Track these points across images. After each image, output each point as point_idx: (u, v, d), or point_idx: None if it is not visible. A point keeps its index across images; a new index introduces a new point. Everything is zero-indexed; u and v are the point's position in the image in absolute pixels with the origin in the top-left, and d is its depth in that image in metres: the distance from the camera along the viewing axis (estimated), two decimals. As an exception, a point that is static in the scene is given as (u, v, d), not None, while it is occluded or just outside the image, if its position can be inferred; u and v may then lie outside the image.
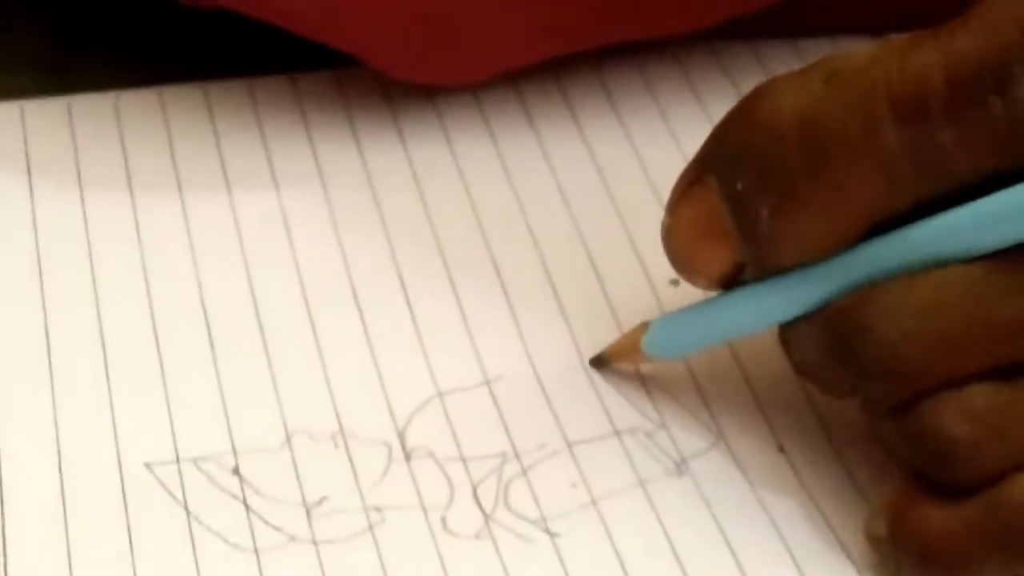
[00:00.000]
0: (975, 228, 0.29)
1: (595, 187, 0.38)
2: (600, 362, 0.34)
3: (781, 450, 0.33)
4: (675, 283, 0.36)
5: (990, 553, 0.29)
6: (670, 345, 0.33)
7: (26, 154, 0.38)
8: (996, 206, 0.29)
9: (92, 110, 0.39)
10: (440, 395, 0.33)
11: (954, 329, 0.29)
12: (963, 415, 0.29)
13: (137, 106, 0.39)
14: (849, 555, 0.31)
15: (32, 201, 0.37)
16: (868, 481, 0.32)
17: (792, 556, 0.31)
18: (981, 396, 0.29)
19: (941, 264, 0.29)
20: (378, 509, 0.31)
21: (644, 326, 0.33)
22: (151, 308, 0.35)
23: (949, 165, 0.28)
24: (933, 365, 0.29)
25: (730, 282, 0.31)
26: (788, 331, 0.31)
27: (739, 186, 0.30)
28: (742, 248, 0.30)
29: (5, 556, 0.30)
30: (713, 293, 0.32)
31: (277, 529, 0.31)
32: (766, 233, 0.30)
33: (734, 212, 0.30)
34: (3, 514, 0.31)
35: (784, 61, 0.41)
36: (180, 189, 0.37)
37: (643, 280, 0.36)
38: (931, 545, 0.30)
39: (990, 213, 0.29)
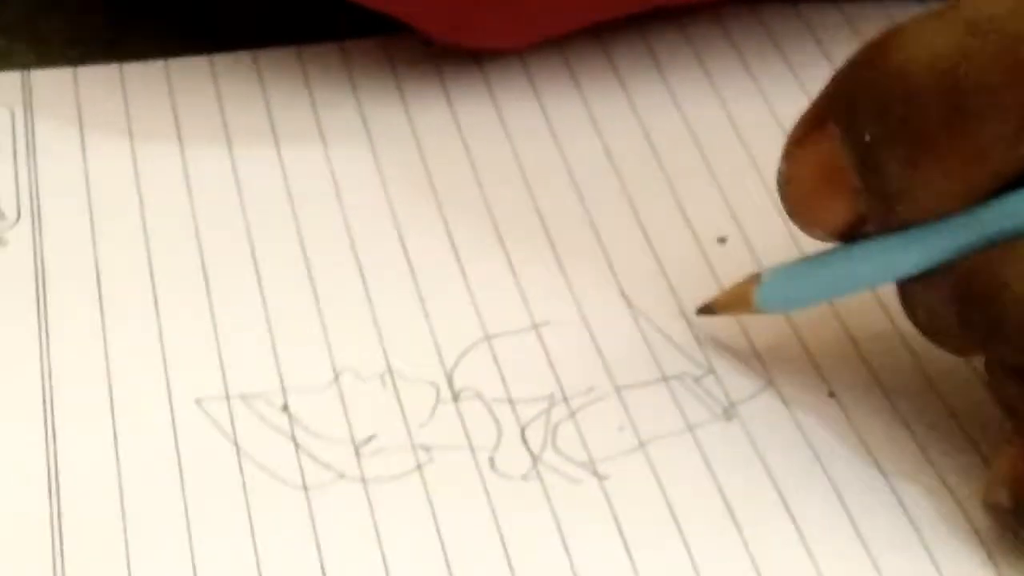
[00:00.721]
0: None
1: (640, 148, 0.38)
2: (707, 311, 0.34)
3: (831, 395, 0.33)
4: (722, 241, 0.36)
5: None
6: (783, 298, 0.32)
7: (79, 112, 0.38)
8: None
9: (144, 76, 0.39)
10: (488, 338, 0.34)
11: None
12: None
13: (188, 72, 0.39)
14: (899, 499, 0.31)
15: (84, 154, 0.37)
16: (923, 428, 0.32)
17: (842, 501, 0.31)
18: None
19: None
20: (426, 448, 0.31)
21: (755, 277, 0.32)
22: (201, 254, 0.35)
23: None
24: None
25: (850, 235, 0.30)
26: (910, 288, 0.30)
27: (867, 137, 0.29)
28: (867, 201, 0.29)
29: (59, 492, 0.30)
30: (828, 245, 0.31)
31: (326, 466, 0.31)
32: (896, 187, 0.29)
33: (861, 164, 0.29)
34: (56, 451, 0.31)
35: (830, 25, 0.41)
36: (231, 150, 0.37)
37: (688, 236, 0.36)
38: None
39: None
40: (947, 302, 0.29)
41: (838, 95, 0.29)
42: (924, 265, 0.30)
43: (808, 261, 0.32)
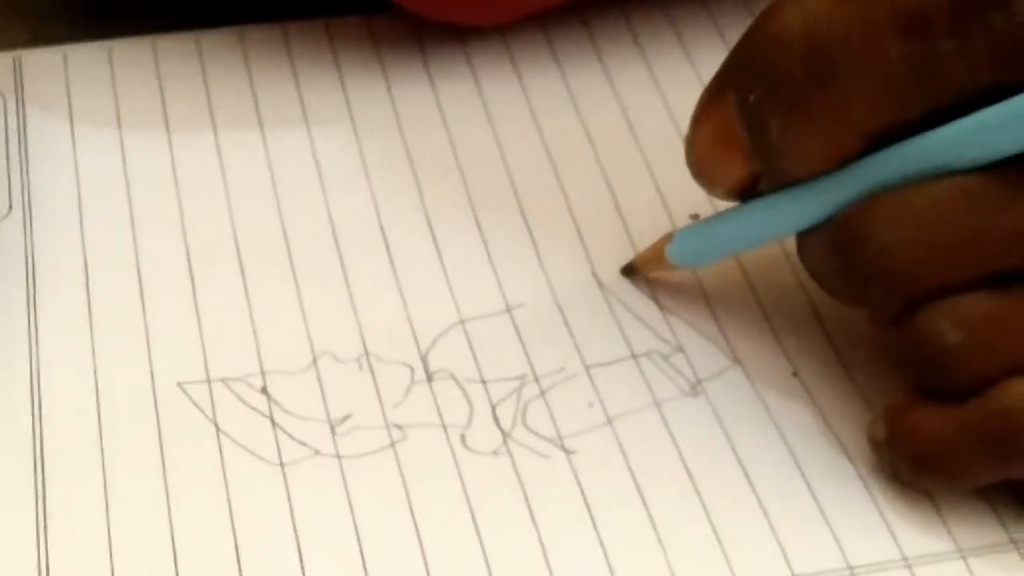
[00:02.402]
0: (973, 139, 0.30)
1: (619, 127, 0.40)
2: (629, 271, 0.36)
3: (795, 374, 0.35)
4: (695, 218, 0.38)
5: (980, 456, 0.31)
6: (693, 254, 0.35)
7: (68, 97, 0.40)
8: (993, 118, 0.30)
9: (131, 55, 0.41)
10: (463, 321, 0.35)
11: (949, 237, 0.30)
12: (957, 322, 0.31)
13: (174, 50, 0.41)
14: (862, 478, 0.33)
15: (73, 142, 0.39)
16: (880, 404, 0.34)
17: (804, 476, 0.33)
18: (975, 304, 0.31)
19: (941, 175, 0.31)
20: (400, 427, 0.33)
21: (669, 236, 0.35)
22: (185, 238, 0.37)
23: (949, 78, 0.30)
24: (928, 272, 0.31)
25: (746, 193, 0.33)
26: (802, 240, 0.33)
27: (752, 98, 0.31)
28: (756, 159, 0.32)
29: (43, 471, 0.32)
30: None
31: (302, 444, 0.33)
32: (776, 144, 0.32)
33: (747, 123, 0.32)
34: (42, 430, 0.33)
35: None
36: (215, 129, 0.39)
37: (664, 215, 0.38)
38: (925, 448, 0.32)
39: (987, 125, 0.30)
40: (826, 254, 0.32)
41: (732, 63, 0.33)
42: (809, 220, 0.32)
43: (712, 219, 0.35)
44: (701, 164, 0.33)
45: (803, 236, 0.33)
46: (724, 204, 0.34)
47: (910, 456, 0.32)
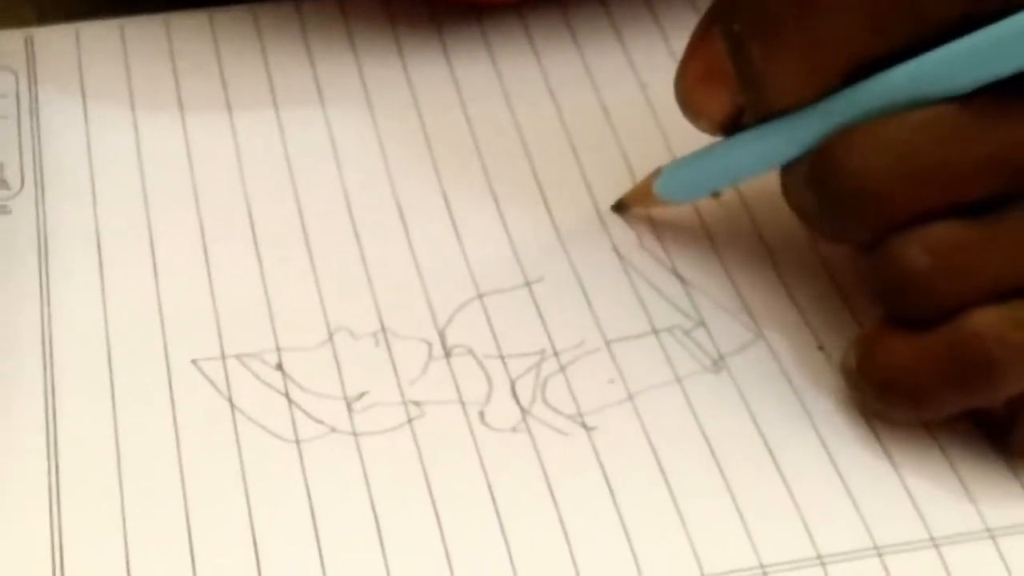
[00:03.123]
0: (947, 70, 0.31)
1: (637, 102, 0.40)
2: (620, 207, 0.37)
3: (821, 348, 0.34)
4: (715, 195, 0.37)
5: (946, 383, 0.32)
6: (680, 188, 0.35)
7: (80, 74, 0.40)
8: (967, 47, 0.31)
9: (144, 32, 0.41)
10: (480, 296, 0.35)
11: (921, 165, 0.31)
12: (925, 248, 0.31)
13: (187, 28, 0.41)
14: (888, 455, 0.33)
15: (86, 118, 0.39)
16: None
17: (828, 451, 0.32)
18: (945, 231, 0.31)
19: (917, 106, 0.31)
20: (417, 403, 0.33)
21: (658, 171, 0.36)
22: (199, 215, 0.37)
23: (929, 9, 0.31)
24: (900, 200, 0.31)
25: (731, 126, 0.34)
26: (785, 174, 0.33)
27: (736, 28, 0.32)
28: (740, 90, 0.33)
29: (57, 448, 0.32)
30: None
31: (318, 421, 0.33)
32: (759, 73, 0.32)
33: (732, 54, 0.32)
34: (55, 408, 0.33)
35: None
36: (229, 107, 0.39)
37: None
38: (892, 375, 0.32)
39: (962, 54, 0.31)
40: (806, 186, 0.33)
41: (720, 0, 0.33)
42: (791, 152, 0.33)
43: (699, 153, 0.35)
44: (688, 96, 0.34)
45: (786, 170, 0.33)
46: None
47: (877, 383, 0.32)
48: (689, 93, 0.34)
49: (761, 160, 0.34)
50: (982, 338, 0.31)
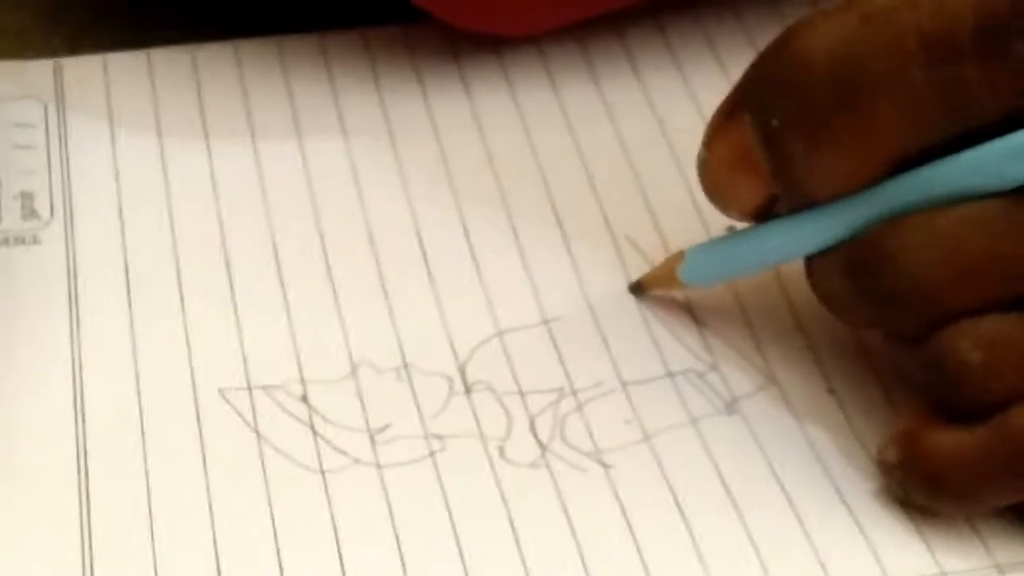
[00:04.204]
0: (996, 165, 0.31)
1: (655, 137, 0.41)
2: (638, 288, 0.37)
3: (831, 391, 0.36)
4: (731, 230, 0.38)
5: (997, 478, 0.32)
6: (704, 273, 0.36)
7: (108, 104, 0.41)
8: (1016, 144, 0.31)
9: (171, 63, 0.42)
10: (500, 333, 0.36)
11: (972, 261, 0.31)
12: (978, 343, 0.32)
13: (214, 59, 0.42)
14: (899, 496, 0.33)
15: (113, 148, 0.40)
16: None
17: (840, 493, 0.34)
18: (996, 326, 0.32)
19: (964, 199, 0.32)
20: (439, 437, 0.34)
21: (680, 255, 0.36)
22: (224, 246, 0.38)
23: (974, 104, 0.31)
24: (951, 294, 0.32)
25: (761, 215, 0.34)
26: (816, 262, 0.33)
27: (774, 123, 0.32)
28: (775, 182, 0.33)
29: (88, 479, 0.33)
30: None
31: (342, 452, 0.34)
32: (799, 169, 0.32)
33: (768, 147, 0.32)
34: (85, 437, 0.34)
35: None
36: (254, 138, 0.40)
37: (700, 227, 0.38)
38: (940, 470, 0.32)
39: (1011, 151, 0.31)
40: (843, 276, 0.33)
41: (749, 85, 0.33)
42: (827, 242, 0.33)
43: (726, 239, 0.35)
44: (716, 186, 0.34)
45: (815, 258, 0.33)
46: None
47: (926, 478, 0.33)
48: (717, 182, 0.34)
49: (794, 248, 0.34)
50: None
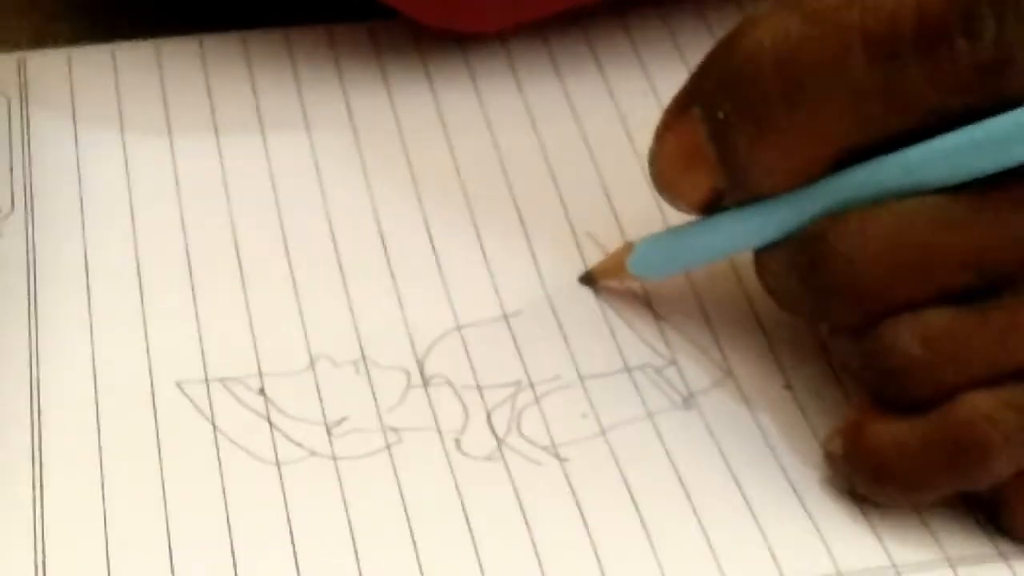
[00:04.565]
0: (938, 162, 0.32)
1: (618, 134, 0.41)
2: (589, 280, 0.38)
3: (788, 387, 0.36)
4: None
5: (939, 467, 0.32)
6: (653, 265, 0.36)
7: (71, 99, 0.41)
8: (957, 143, 0.32)
9: (135, 57, 0.42)
10: (459, 328, 0.37)
11: (913, 254, 0.32)
12: (918, 336, 0.32)
13: (178, 54, 0.42)
14: (842, 487, 0.34)
15: (76, 142, 0.40)
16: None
17: (794, 489, 0.34)
18: (936, 319, 0.32)
19: (906, 195, 0.32)
20: (395, 430, 0.35)
21: (629, 246, 0.37)
22: (185, 240, 0.38)
23: (916, 102, 0.31)
24: (892, 287, 0.32)
25: (709, 207, 0.34)
26: (763, 256, 0.34)
27: (721, 115, 0.33)
28: (721, 175, 0.33)
29: (42, 468, 0.33)
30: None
31: (298, 445, 0.34)
32: (744, 160, 0.33)
33: (715, 140, 0.33)
34: (40, 428, 0.34)
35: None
36: (217, 133, 0.40)
37: (660, 223, 0.39)
38: (883, 460, 0.33)
39: (952, 149, 0.32)
40: (788, 269, 0.33)
41: (699, 79, 0.34)
42: (771, 236, 0.34)
43: (674, 231, 0.36)
44: (665, 178, 0.35)
45: (762, 252, 0.34)
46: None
47: (869, 468, 0.33)
48: (666, 175, 0.34)
49: (740, 241, 0.34)
50: (975, 421, 0.32)
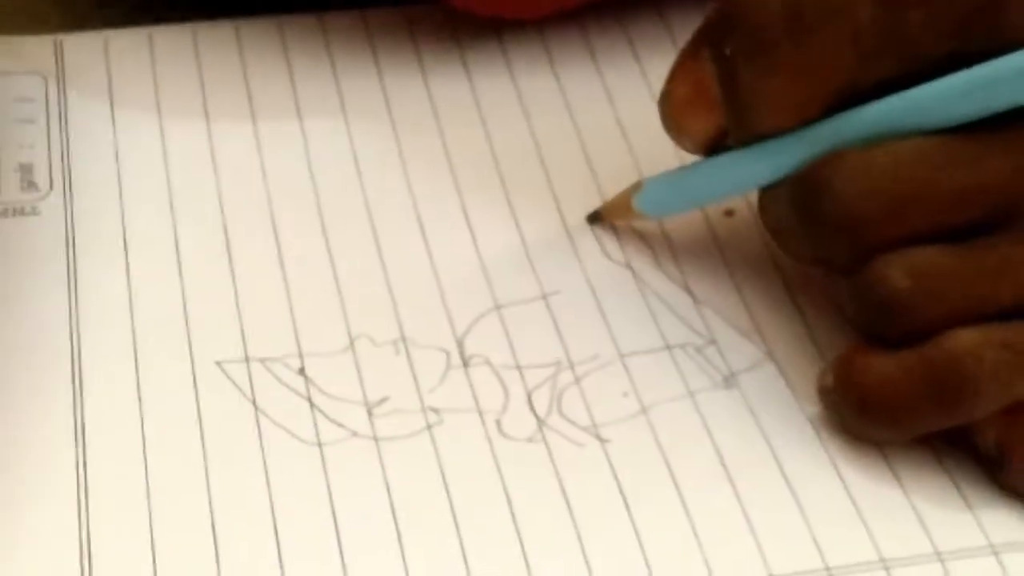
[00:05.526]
0: (937, 104, 0.33)
1: (653, 121, 0.41)
2: (595, 218, 0.38)
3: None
4: (729, 214, 0.39)
5: (923, 402, 0.33)
6: (660, 203, 0.37)
7: (108, 81, 0.41)
8: (952, 85, 0.32)
9: (171, 41, 0.42)
10: (498, 307, 0.36)
11: (906, 191, 0.33)
12: (907, 271, 0.33)
13: (214, 38, 0.42)
14: (894, 472, 0.34)
15: (113, 124, 0.40)
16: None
17: (836, 469, 0.34)
18: (926, 255, 0.33)
19: (903, 136, 0.33)
20: (436, 410, 0.34)
21: (639, 184, 0.37)
22: (223, 220, 0.38)
23: (916, 44, 0.32)
24: (884, 223, 0.33)
25: (713, 147, 0.35)
26: (765, 195, 0.35)
27: (727, 51, 0.34)
28: (725, 112, 0.34)
29: (85, 450, 0.33)
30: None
31: (339, 425, 0.34)
32: (746, 97, 0.34)
33: (720, 76, 0.34)
34: (83, 410, 0.34)
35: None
36: (253, 115, 0.40)
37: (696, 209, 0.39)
38: (870, 392, 0.33)
39: (949, 91, 0.32)
40: (787, 207, 0.34)
41: (710, 22, 0.35)
42: (772, 175, 0.34)
43: (680, 171, 0.37)
44: (673, 116, 0.36)
45: (765, 191, 0.35)
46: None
47: (855, 401, 0.34)
48: (674, 113, 0.35)
49: (743, 181, 0.35)
50: (959, 356, 0.32)
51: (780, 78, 0.33)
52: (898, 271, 0.33)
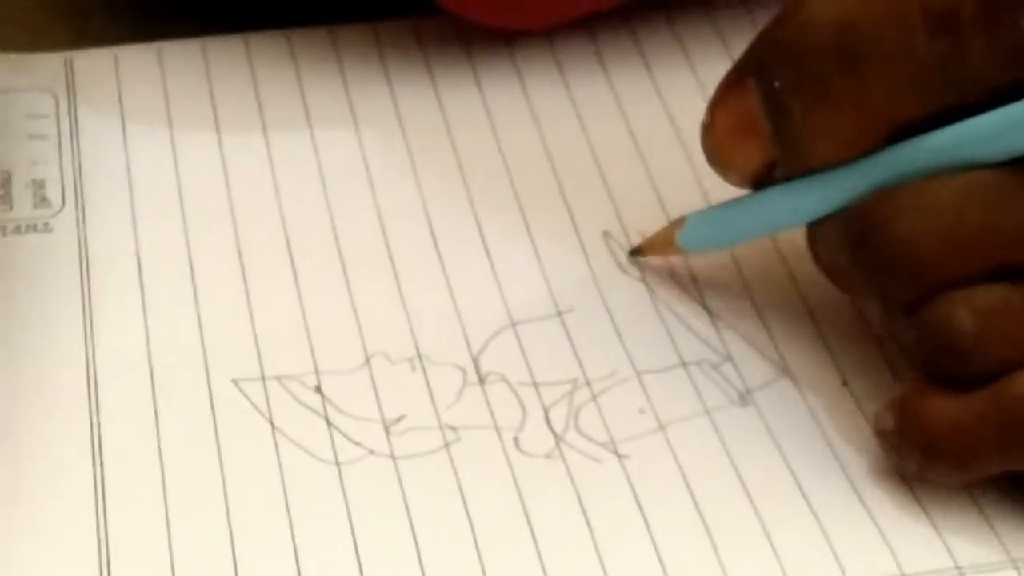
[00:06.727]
0: (993, 136, 0.32)
1: (666, 133, 0.41)
2: (637, 253, 0.37)
3: (845, 384, 0.35)
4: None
5: (992, 445, 0.32)
6: (704, 239, 0.36)
7: (119, 97, 0.41)
8: (1012, 117, 0.31)
9: (181, 56, 0.42)
10: (513, 325, 0.36)
11: (968, 230, 0.32)
12: (972, 311, 0.32)
13: (224, 52, 0.42)
14: (912, 488, 0.33)
15: (124, 140, 0.40)
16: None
17: (854, 487, 0.33)
18: (990, 295, 0.32)
19: (961, 169, 0.32)
20: (453, 428, 0.34)
21: (680, 221, 0.36)
22: (237, 237, 0.38)
23: (974, 76, 0.31)
24: (946, 262, 0.32)
25: (760, 181, 0.34)
26: (815, 231, 0.34)
27: (776, 84, 0.33)
28: (774, 146, 0.33)
29: (103, 469, 0.33)
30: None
31: (357, 444, 0.34)
32: (798, 130, 0.33)
33: (769, 109, 0.33)
34: (100, 429, 0.34)
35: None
36: (265, 130, 0.40)
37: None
38: (936, 437, 0.32)
39: (1009, 123, 0.31)
40: (841, 244, 0.33)
41: (755, 50, 0.34)
42: (824, 209, 0.33)
43: (725, 205, 0.36)
44: (717, 149, 0.34)
45: (815, 226, 0.34)
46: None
47: (921, 444, 0.33)
48: (719, 146, 0.34)
49: (791, 216, 0.34)
50: None
51: (834, 114, 0.32)
52: (964, 311, 0.32)
